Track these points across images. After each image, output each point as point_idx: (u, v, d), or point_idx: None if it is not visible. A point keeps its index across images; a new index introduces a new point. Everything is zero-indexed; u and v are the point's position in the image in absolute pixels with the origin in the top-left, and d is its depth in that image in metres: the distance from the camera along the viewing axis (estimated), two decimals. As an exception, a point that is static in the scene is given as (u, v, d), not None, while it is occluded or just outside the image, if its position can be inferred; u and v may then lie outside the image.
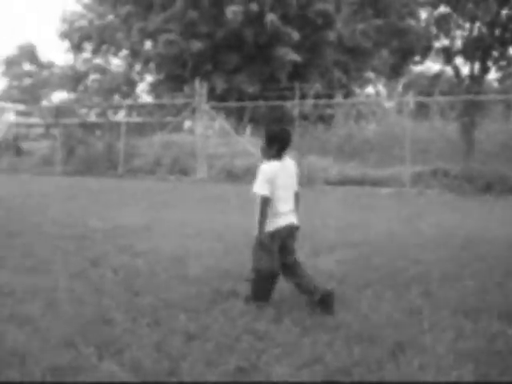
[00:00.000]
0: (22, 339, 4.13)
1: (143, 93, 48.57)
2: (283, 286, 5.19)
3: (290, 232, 4.98)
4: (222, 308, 4.84)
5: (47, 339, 4.14)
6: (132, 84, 47.06)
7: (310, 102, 19.95)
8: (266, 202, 4.75)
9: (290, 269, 5.04)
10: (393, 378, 3.57)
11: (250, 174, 17.42)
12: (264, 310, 4.72)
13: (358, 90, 37.89)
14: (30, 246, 7.31)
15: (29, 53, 78.57)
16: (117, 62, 50.80)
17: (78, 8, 46.14)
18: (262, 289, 4.93)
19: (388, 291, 5.35)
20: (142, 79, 46.69)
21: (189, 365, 3.71)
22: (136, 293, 5.32)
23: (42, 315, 4.68)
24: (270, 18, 26.72)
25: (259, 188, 4.78)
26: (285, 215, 4.91)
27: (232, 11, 26.40)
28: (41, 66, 79.25)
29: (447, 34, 18.53)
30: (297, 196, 5.15)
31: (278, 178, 4.80)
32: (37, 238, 7.72)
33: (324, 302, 4.78)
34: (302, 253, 6.90)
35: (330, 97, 22.79)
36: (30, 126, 33.52)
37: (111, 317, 4.61)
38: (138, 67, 42.43)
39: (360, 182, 16.20)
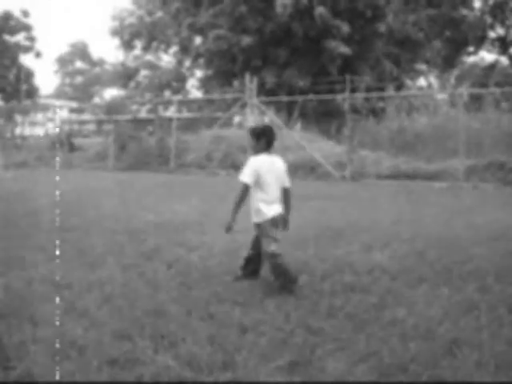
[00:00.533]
0: (79, 332, 4.21)
1: (193, 88, 49.00)
2: (335, 280, 5.17)
3: (279, 219, 5.46)
4: (275, 302, 4.84)
5: (104, 332, 4.22)
6: (182, 80, 47.56)
7: (360, 95, 19.77)
8: (245, 189, 5.33)
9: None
10: (449, 376, 3.52)
11: (301, 169, 17.40)
12: (318, 305, 4.72)
13: (409, 83, 37.32)
14: (85, 240, 7.47)
15: (81, 51, 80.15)
16: (167, 59, 51.45)
17: (129, 5, 46.87)
18: (283, 270, 5.25)
19: (443, 287, 5.26)
20: (191, 75, 47.13)
21: (243, 358, 3.73)
22: (189, 286, 5.37)
23: (98, 308, 4.76)
24: (320, 10, 26.54)
25: (243, 176, 5.33)
26: (276, 204, 5.42)
27: (281, 4, 26.33)
28: (92, 63, 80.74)
29: (502, 23, 18.07)
30: (287, 192, 5.58)
31: (264, 169, 5.31)
32: (92, 233, 7.87)
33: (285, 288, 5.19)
34: (354, 247, 6.90)
35: (381, 90, 22.52)
36: (83, 122, 34.20)
37: (166, 310, 4.67)
38: (187, 63, 42.84)
39: (412, 176, 15.97)
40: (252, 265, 5.65)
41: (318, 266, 5.97)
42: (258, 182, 5.32)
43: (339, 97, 19.69)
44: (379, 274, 5.73)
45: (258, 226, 5.42)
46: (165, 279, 5.62)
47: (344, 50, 27.18)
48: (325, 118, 26.43)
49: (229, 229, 5.36)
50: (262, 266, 5.59)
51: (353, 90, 19.00)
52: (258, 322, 4.37)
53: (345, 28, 27.17)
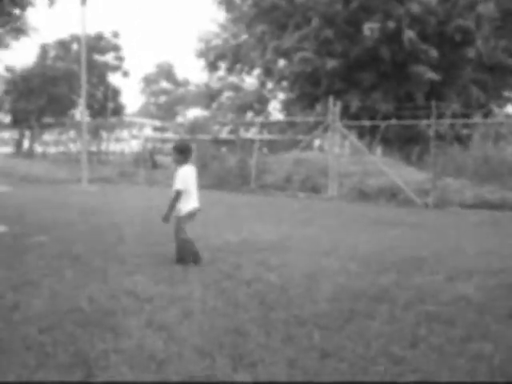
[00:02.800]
0: (159, 345, 4.26)
1: (275, 110, 49.35)
2: (418, 309, 5.01)
3: (196, 212, 7.30)
4: (357, 328, 4.75)
5: (183, 347, 4.24)
6: (264, 102, 47.99)
7: (446, 121, 19.33)
8: (179, 194, 7.02)
9: None
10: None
11: (382, 194, 17.14)
12: (400, 333, 4.59)
13: (497, 110, 36.26)
14: (166, 255, 7.57)
15: (166, 71, 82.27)
16: (250, 80, 52.09)
17: (214, 27, 47.84)
18: (187, 252, 7.12)
19: (535, 323, 5.01)
20: (274, 97, 47.48)
21: (323, 384, 3.67)
22: (269, 307, 5.35)
23: (178, 323, 4.81)
24: (409, 34, 26.21)
25: (178, 184, 7.02)
26: (194, 201, 7.20)
27: (369, 28, 26.20)
28: (177, 83, 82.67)
29: None
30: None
31: (189, 177, 7.14)
32: (173, 249, 7.98)
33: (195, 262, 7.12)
34: (437, 277, 6.69)
35: (468, 116, 21.97)
36: (165, 140, 34.95)
37: (245, 329, 4.66)
38: (270, 85, 43.20)
39: (499, 206, 15.41)
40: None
41: (399, 295, 5.82)
42: (186, 187, 7.08)
43: (424, 123, 19.32)
44: (464, 305, 5.53)
45: (178, 218, 7.14)
46: (244, 298, 5.62)
47: (432, 75, 26.68)
48: (407, 144, 26.00)
49: (166, 220, 7.05)
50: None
51: (438, 116, 18.61)
52: (338, 348, 4.29)
53: (433, 53, 26.71)
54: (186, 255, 7.11)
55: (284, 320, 4.94)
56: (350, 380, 3.74)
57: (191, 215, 7.20)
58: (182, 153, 7.21)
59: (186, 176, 7.09)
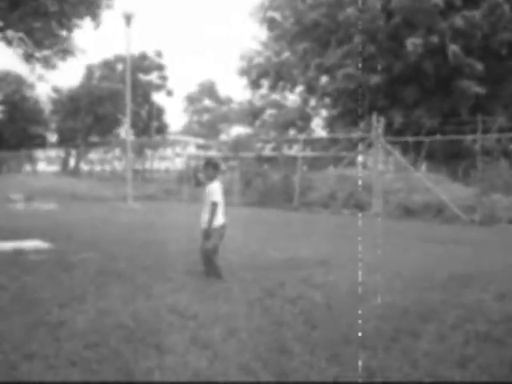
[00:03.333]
0: (203, 363, 4.23)
1: (317, 127, 49.25)
2: (467, 328, 4.88)
3: (225, 229, 7.56)
4: (403, 347, 4.65)
5: (228, 365, 4.22)
6: (307, 119, 47.93)
7: (493, 136, 18.98)
8: (216, 206, 7.35)
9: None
10: None
11: (428, 211, 16.88)
12: (448, 354, 4.47)
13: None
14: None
15: (209, 89, 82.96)
16: (292, 98, 52.12)
17: (256, 45, 48.14)
18: (212, 265, 7.35)
19: None
20: (316, 114, 47.40)
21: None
22: (313, 325, 5.28)
23: (222, 341, 4.79)
24: (453, 49, 25.90)
25: (215, 197, 7.38)
26: (222, 215, 7.49)
27: (412, 43, 25.99)
28: (220, 101, 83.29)
29: None
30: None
31: (220, 192, 7.50)
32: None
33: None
34: (486, 295, 6.52)
35: (515, 131, 21.53)
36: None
37: (289, 347, 4.61)
38: (312, 102, 43.15)
39: (549, 222, 15.03)
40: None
41: (447, 313, 5.69)
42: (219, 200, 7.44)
43: (470, 137, 19.04)
44: (511, 324, 5.37)
45: (205, 230, 7.36)
46: (288, 316, 5.57)
47: (477, 89, 26.26)
48: (452, 160, 25.60)
49: (208, 235, 7.31)
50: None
51: (484, 131, 18.28)
52: (384, 367, 4.20)
53: (478, 66, 26.32)
54: (212, 268, 7.37)
55: (329, 339, 4.87)
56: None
57: (218, 230, 7.42)
58: (215, 169, 7.66)
59: (219, 190, 7.51)
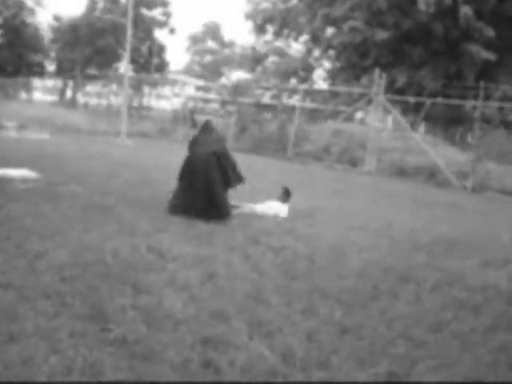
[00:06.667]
0: (178, 305, 4.20)
1: (319, 79, 48.68)
2: (445, 293, 4.86)
3: None
4: (380, 307, 4.65)
5: (202, 309, 4.19)
6: (309, 69, 47.29)
7: (494, 104, 18.78)
8: None
9: None
10: None
11: (421, 173, 16.84)
12: (424, 316, 4.47)
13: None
14: (193, 218, 7.44)
15: (213, 31, 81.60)
16: (296, 47, 51.36)
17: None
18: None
19: None
20: (319, 65, 46.80)
21: (339, 360, 3.58)
22: (293, 277, 5.27)
23: (199, 285, 4.76)
24: (465, 10, 25.31)
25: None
26: None
27: (425, 2, 25.39)
28: (223, 44, 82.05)
29: None
30: None
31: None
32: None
33: None
34: (468, 262, 6.52)
35: (517, 100, 21.32)
36: (207, 100, 34.81)
37: (266, 297, 4.58)
38: (316, 53, 42.53)
39: (542, 194, 15.01)
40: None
41: (428, 276, 5.67)
42: None
43: (470, 103, 18.86)
44: (493, 294, 5.37)
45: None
46: (269, 266, 5.55)
47: (487, 55, 25.78)
48: (451, 124, 25.42)
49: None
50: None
51: (487, 98, 18.05)
52: (359, 325, 4.20)
53: (489, 32, 25.80)
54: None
55: (307, 291, 4.86)
56: (365, 358, 3.66)
57: None
58: (287, 195, 8.68)
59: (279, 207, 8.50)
